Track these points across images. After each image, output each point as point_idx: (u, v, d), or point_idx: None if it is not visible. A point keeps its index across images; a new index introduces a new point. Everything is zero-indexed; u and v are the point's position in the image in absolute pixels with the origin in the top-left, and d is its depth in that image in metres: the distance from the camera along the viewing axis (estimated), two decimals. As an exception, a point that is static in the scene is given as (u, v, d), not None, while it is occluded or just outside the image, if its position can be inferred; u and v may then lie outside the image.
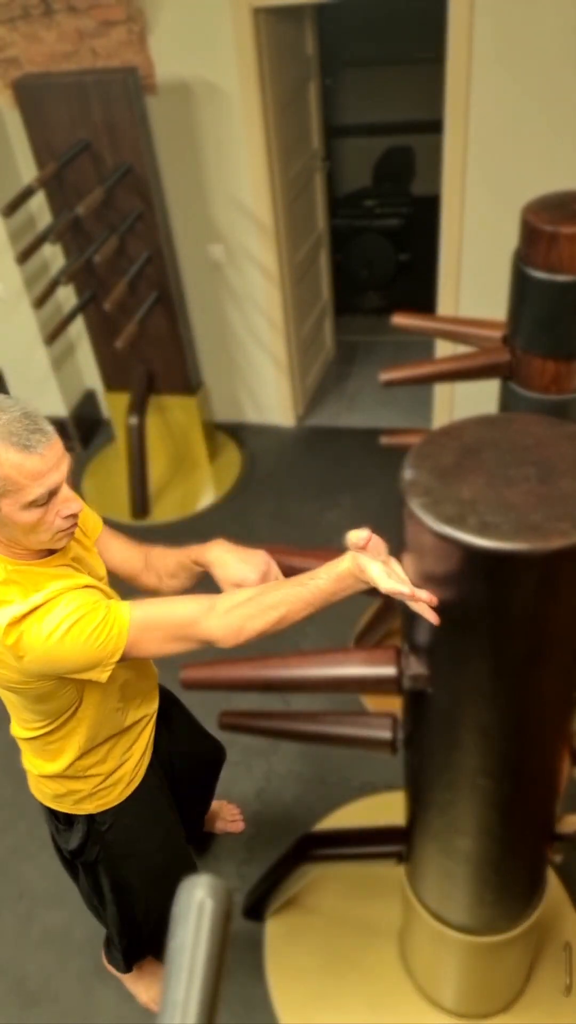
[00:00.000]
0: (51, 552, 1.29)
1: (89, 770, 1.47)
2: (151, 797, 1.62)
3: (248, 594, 1.22)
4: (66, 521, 1.22)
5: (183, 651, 1.24)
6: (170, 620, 1.23)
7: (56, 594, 1.20)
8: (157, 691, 1.63)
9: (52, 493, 1.18)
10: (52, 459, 1.16)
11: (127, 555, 1.50)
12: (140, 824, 1.61)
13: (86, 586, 1.27)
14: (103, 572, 1.46)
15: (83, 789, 1.50)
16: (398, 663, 1.16)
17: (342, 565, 1.12)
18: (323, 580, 1.15)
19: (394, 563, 1.08)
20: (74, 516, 1.23)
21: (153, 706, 1.60)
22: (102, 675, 1.23)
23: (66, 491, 1.21)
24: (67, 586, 1.23)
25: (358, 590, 1.15)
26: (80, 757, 1.44)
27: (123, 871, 1.65)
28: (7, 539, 1.23)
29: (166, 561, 1.47)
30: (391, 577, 1.04)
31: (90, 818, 1.56)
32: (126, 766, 1.53)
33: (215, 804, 2.28)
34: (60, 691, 1.30)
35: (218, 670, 1.27)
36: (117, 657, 1.22)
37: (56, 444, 1.17)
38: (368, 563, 1.07)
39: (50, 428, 1.17)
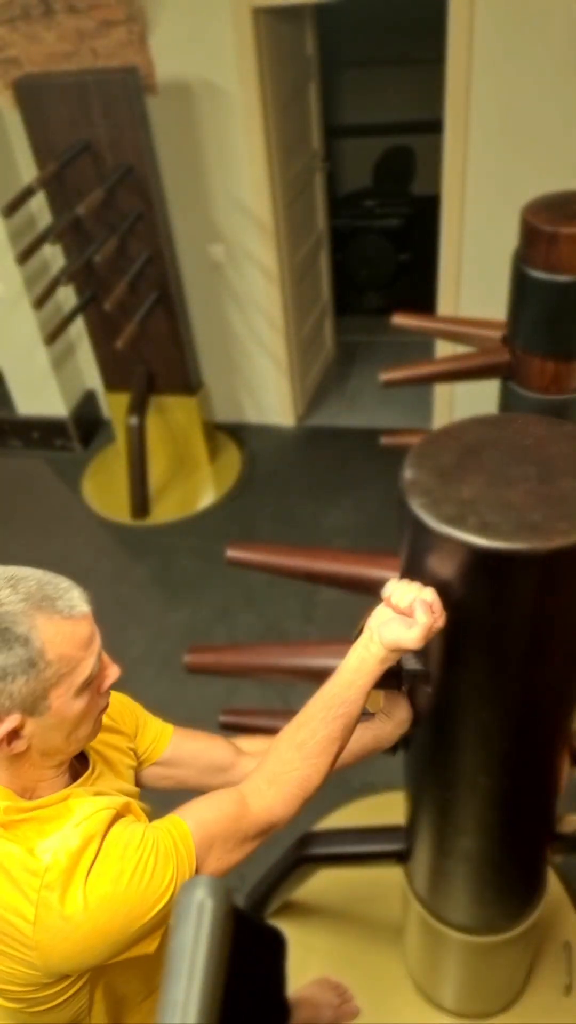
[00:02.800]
0: (72, 776, 1.01)
1: None
2: None
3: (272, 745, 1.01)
4: (105, 697, 0.98)
5: (244, 857, 0.99)
6: (222, 817, 0.97)
7: (102, 815, 0.91)
8: None
9: (97, 661, 0.94)
10: (92, 619, 0.94)
11: (204, 746, 1.20)
12: None
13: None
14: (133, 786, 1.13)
15: None
16: (398, 659, 1.16)
17: (371, 655, 0.97)
18: (357, 685, 0.98)
19: (406, 592, 0.96)
20: (108, 693, 0.99)
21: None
22: (153, 942, 0.91)
23: (105, 657, 0.97)
24: (108, 803, 0.93)
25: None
26: None
27: None
28: (39, 758, 0.94)
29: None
30: (418, 625, 0.92)
31: None
32: None
33: (310, 990, 1.89)
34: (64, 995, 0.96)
35: (222, 655, 1.26)
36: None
37: (84, 598, 0.95)
38: (396, 631, 0.94)
39: (69, 581, 0.96)
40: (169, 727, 1.20)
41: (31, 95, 2.80)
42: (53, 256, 3.51)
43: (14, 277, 3.46)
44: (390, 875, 1.79)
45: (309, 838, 1.84)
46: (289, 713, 1.38)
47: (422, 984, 1.89)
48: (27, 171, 3.29)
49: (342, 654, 1.10)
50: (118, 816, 0.93)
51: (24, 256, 2.91)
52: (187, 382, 3.47)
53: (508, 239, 1.76)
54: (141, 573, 3.31)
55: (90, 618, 0.93)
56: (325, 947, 2.02)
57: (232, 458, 3.86)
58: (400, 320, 2.01)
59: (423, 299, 3.51)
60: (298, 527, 3.39)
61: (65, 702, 0.90)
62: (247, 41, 2.89)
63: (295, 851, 1.83)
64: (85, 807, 0.92)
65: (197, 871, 0.93)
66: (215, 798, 1.00)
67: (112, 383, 3.55)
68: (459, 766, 1.19)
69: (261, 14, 2.88)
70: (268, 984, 1.48)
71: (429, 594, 0.95)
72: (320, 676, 1.16)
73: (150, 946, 0.92)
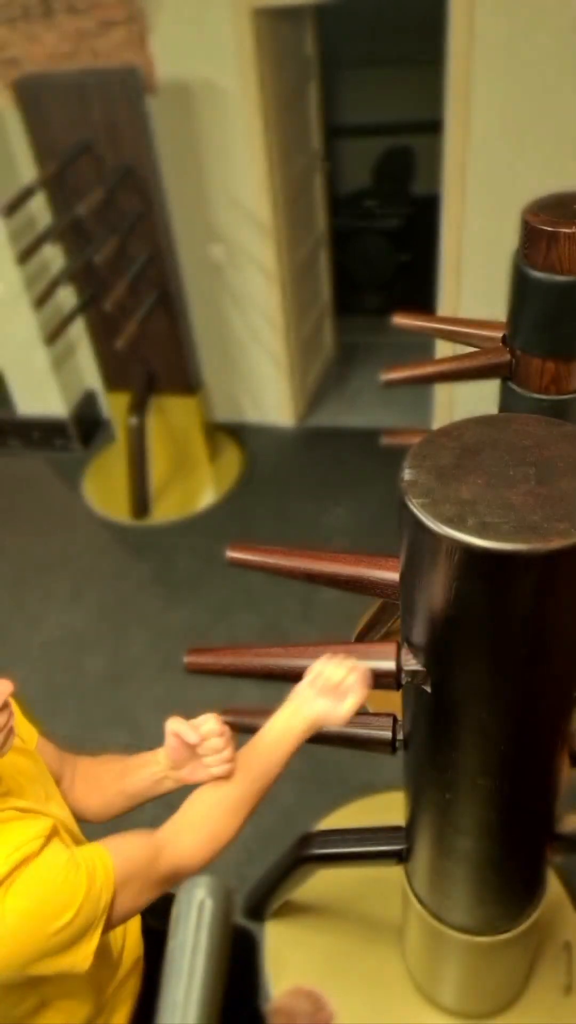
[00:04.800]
0: None
1: None
2: None
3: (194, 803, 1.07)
4: (3, 714, 0.97)
5: (151, 901, 1.02)
6: (141, 858, 1.00)
7: (33, 845, 0.92)
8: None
9: None
10: None
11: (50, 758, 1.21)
12: None
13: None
14: (53, 788, 1.14)
15: None
16: (397, 658, 1.16)
17: (294, 728, 1.08)
18: (278, 754, 1.08)
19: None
20: (8, 706, 0.98)
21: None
22: (86, 961, 0.92)
23: None
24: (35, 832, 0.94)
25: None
26: None
27: None
28: None
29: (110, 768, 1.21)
30: (347, 707, 1.05)
31: None
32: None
33: (285, 999, 1.93)
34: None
35: (221, 656, 1.26)
36: (103, 923, 0.94)
37: None
38: (322, 710, 1.07)
39: None
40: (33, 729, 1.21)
41: (31, 95, 2.80)
42: (53, 256, 3.52)
43: (14, 277, 3.46)
44: (390, 875, 1.79)
45: (309, 838, 1.84)
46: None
47: (422, 984, 1.89)
48: (27, 171, 3.29)
49: (340, 655, 1.10)
50: (48, 839, 0.95)
51: (24, 256, 2.91)
52: (187, 382, 3.47)
53: (508, 239, 1.76)
54: (141, 573, 3.31)
55: None
56: (325, 947, 2.02)
57: (232, 458, 3.86)
58: (400, 320, 2.01)
59: (423, 299, 3.51)
60: (298, 527, 3.39)
61: None
62: (247, 41, 2.89)
63: (295, 851, 1.83)
64: (15, 837, 0.92)
65: (112, 905, 0.94)
66: (135, 838, 1.03)
67: (112, 383, 3.55)
68: (459, 766, 1.19)
69: (261, 14, 2.88)
70: (241, 990, 1.48)
71: (360, 674, 1.07)
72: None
73: (82, 964, 0.93)
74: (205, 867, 1.05)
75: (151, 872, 1.01)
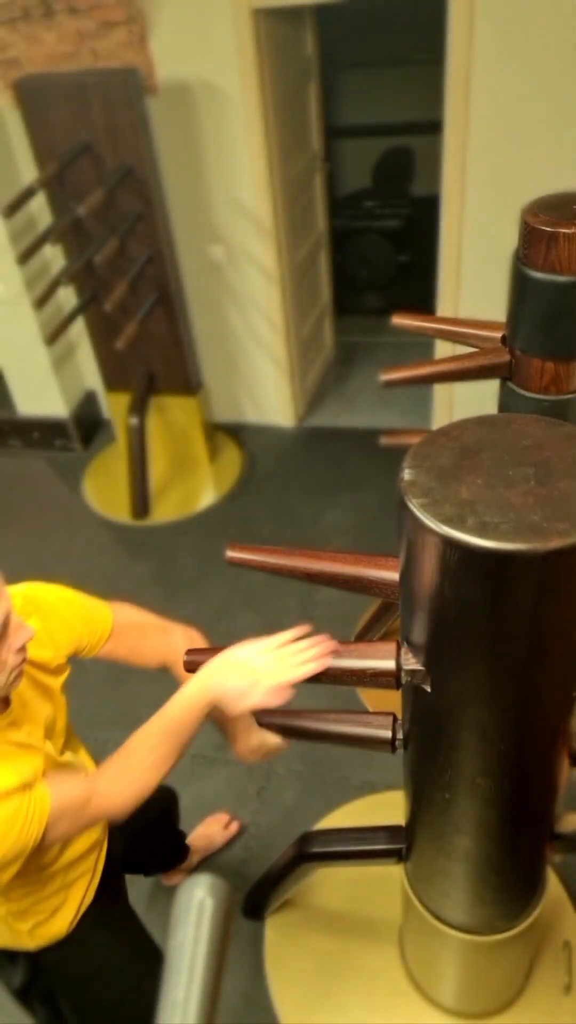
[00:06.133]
0: None
1: (26, 910, 1.32)
2: (105, 918, 1.46)
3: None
4: (19, 655, 1.10)
5: (81, 832, 1.19)
6: (75, 799, 1.15)
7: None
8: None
9: (4, 625, 1.06)
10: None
11: (139, 630, 1.44)
12: (94, 954, 1.44)
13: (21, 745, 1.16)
14: (58, 722, 1.32)
15: (21, 928, 1.34)
16: (397, 658, 1.16)
17: (199, 702, 1.17)
18: (192, 718, 1.19)
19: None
20: (24, 648, 1.11)
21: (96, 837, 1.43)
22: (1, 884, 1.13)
23: (16, 619, 1.09)
24: None
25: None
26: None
27: (81, 1001, 1.46)
28: None
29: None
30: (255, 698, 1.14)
31: (32, 955, 1.39)
32: (69, 900, 1.38)
33: (201, 828, 2.27)
34: None
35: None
36: (25, 854, 1.11)
37: None
38: (231, 695, 1.16)
39: None
40: (108, 611, 1.39)
41: (31, 96, 2.80)
42: (53, 256, 3.52)
43: (14, 277, 3.46)
44: (390, 875, 1.79)
45: (309, 837, 1.85)
46: (287, 712, 1.38)
47: (422, 984, 1.89)
48: (27, 171, 3.29)
49: (339, 655, 1.11)
50: (15, 793, 1.09)
51: (24, 256, 2.92)
52: (187, 382, 3.48)
53: (508, 239, 1.76)
54: (141, 572, 3.32)
55: None
56: (325, 947, 2.02)
57: (232, 458, 3.86)
58: (399, 321, 2.01)
59: (423, 300, 3.51)
60: (298, 527, 3.39)
61: None
62: (247, 42, 2.89)
63: (295, 850, 1.84)
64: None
65: (44, 834, 1.11)
66: (75, 783, 1.18)
67: (112, 383, 3.56)
68: (458, 766, 1.19)
69: (261, 15, 2.88)
70: (168, 830, 1.99)
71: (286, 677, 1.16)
72: (318, 679, 1.17)
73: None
74: (129, 812, 1.20)
75: (81, 814, 1.16)
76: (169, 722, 1.19)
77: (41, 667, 1.27)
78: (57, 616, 1.31)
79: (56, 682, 1.31)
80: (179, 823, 2.01)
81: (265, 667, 1.15)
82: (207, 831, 2.28)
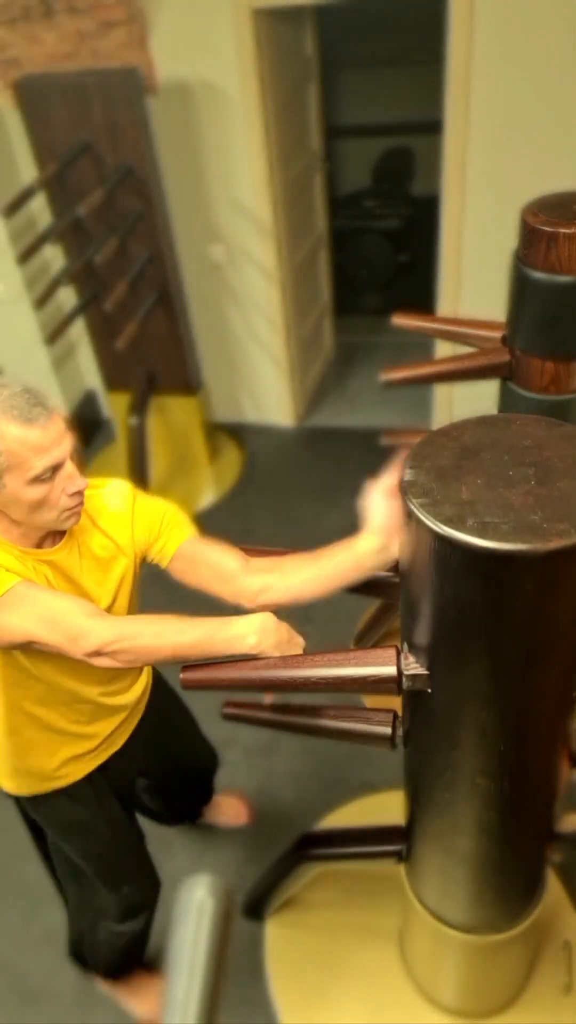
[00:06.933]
0: (49, 542, 1.31)
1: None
2: (85, 802, 1.56)
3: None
4: (72, 499, 1.24)
5: (49, 642, 1.19)
6: (51, 602, 1.19)
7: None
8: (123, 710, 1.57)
9: (55, 469, 1.20)
10: (54, 433, 1.18)
11: (216, 556, 1.47)
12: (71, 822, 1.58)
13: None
14: (100, 594, 1.40)
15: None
16: (398, 663, 1.16)
17: (243, 646, 1.21)
18: (222, 650, 1.24)
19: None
20: (79, 494, 1.25)
21: (113, 724, 1.54)
22: None
23: (70, 467, 1.23)
24: None
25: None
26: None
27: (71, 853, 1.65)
28: (16, 520, 1.24)
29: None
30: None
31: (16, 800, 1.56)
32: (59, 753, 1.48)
33: (217, 798, 2.28)
34: None
35: (218, 671, 1.26)
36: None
37: (57, 420, 1.19)
38: (274, 647, 1.22)
39: (51, 404, 1.19)
40: (188, 533, 1.45)
41: (31, 95, 2.80)
42: (54, 256, 3.52)
43: (14, 277, 3.46)
44: (390, 875, 1.79)
45: (309, 837, 1.85)
46: (290, 708, 1.38)
47: (422, 983, 1.89)
48: (27, 171, 3.29)
49: (339, 664, 1.11)
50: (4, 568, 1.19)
51: (24, 256, 2.91)
52: (187, 382, 3.48)
53: (508, 239, 1.76)
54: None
55: (49, 432, 1.16)
56: (325, 947, 2.02)
57: (232, 458, 3.86)
58: (400, 321, 2.01)
59: (423, 299, 3.51)
60: (298, 527, 3.39)
61: (19, 487, 1.17)
62: (247, 41, 2.89)
63: (295, 850, 1.84)
64: None
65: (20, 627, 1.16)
66: (77, 608, 1.19)
67: (113, 383, 3.56)
68: (458, 766, 1.19)
69: (261, 15, 2.88)
70: (204, 786, 2.13)
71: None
72: (317, 687, 1.16)
73: None
74: (117, 664, 1.20)
75: (63, 641, 1.16)
76: (205, 639, 1.23)
77: (112, 540, 1.39)
78: (145, 510, 1.43)
79: (118, 564, 1.41)
80: (212, 788, 2.15)
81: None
82: (219, 803, 2.31)
